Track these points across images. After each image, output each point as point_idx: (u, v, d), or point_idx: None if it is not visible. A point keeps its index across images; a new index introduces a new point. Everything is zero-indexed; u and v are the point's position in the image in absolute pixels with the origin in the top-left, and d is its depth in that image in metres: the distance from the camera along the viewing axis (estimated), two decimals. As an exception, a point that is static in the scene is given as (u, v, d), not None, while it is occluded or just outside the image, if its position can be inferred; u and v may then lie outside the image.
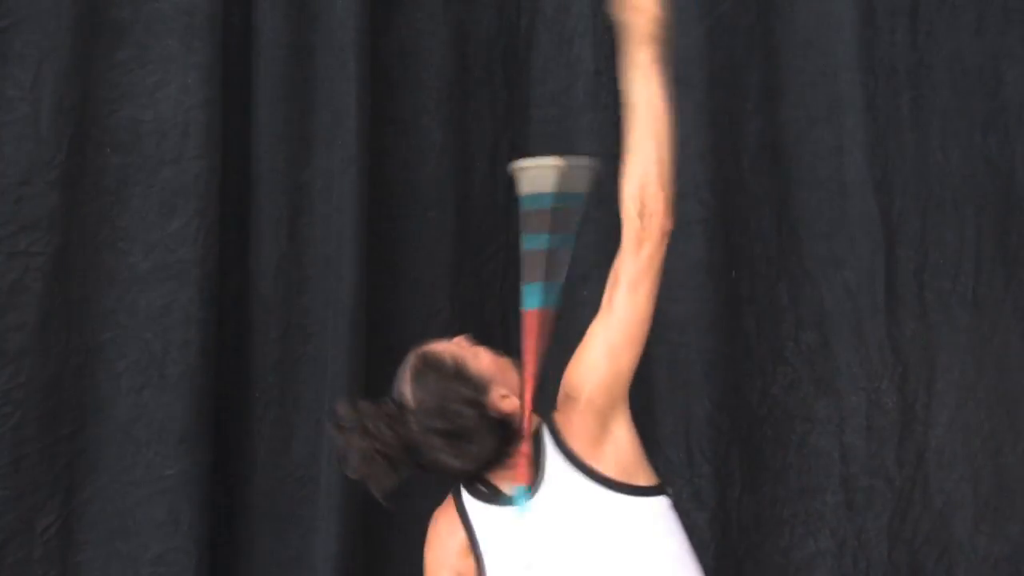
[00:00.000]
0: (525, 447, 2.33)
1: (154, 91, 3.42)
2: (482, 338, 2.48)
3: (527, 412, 2.35)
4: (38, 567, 3.29)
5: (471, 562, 2.38)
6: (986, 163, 3.58)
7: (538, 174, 2.45)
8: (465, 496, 2.39)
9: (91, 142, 3.39)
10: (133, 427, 3.35)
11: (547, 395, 2.43)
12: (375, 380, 3.27)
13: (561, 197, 2.43)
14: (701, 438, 3.49)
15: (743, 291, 3.58)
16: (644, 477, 2.36)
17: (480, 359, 2.38)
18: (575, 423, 2.35)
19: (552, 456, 2.34)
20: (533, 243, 2.44)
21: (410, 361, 2.37)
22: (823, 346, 3.56)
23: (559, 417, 2.37)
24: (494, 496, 2.37)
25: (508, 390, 2.35)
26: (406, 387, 2.34)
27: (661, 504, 2.37)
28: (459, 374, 2.33)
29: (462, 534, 2.39)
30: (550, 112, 3.61)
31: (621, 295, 2.34)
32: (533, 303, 2.42)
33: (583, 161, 2.50)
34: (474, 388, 2.32)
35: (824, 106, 3.62)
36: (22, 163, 3.34)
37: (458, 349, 2.39)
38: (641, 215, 2.33)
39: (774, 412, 3.55)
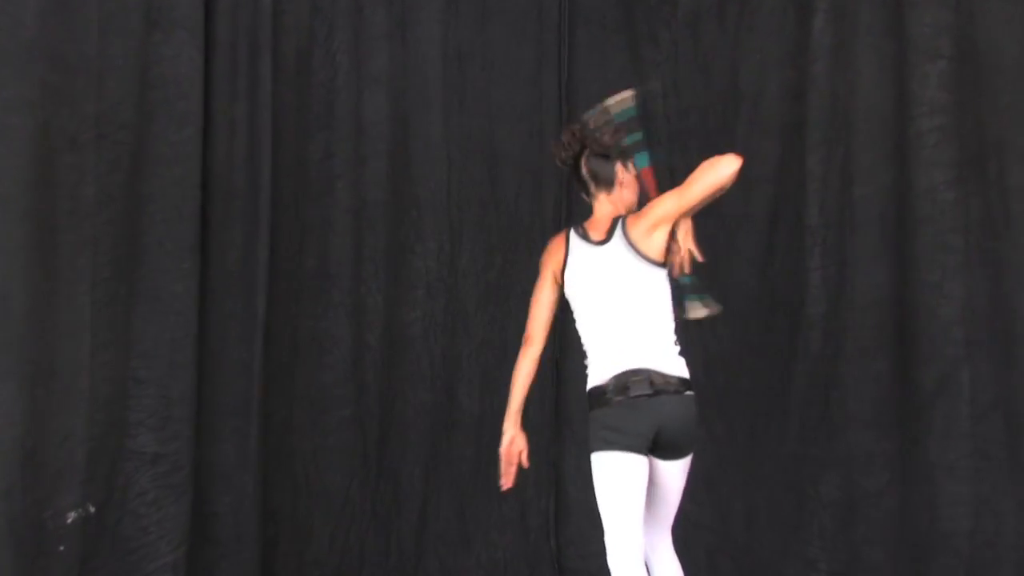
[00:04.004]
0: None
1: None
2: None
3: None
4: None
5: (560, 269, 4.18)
6: None
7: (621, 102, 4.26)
8: (572, 232, 4.16)
9: None
10: None
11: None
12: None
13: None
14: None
15: None
16: (662, 258, 4.11)
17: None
18: (637, 225, 4.12)
19: (619, 233, 4.11)
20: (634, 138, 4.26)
21: None
22: None
23: (629, 219, 4.13)
24: (586, 237, 4.14)
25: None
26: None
27: (665, 275, 4.13)
28: None
29: (562, 254, 4.15)
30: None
31: (676, 194, 4.09)
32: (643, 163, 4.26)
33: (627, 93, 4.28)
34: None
35: None
36: None
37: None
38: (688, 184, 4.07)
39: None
